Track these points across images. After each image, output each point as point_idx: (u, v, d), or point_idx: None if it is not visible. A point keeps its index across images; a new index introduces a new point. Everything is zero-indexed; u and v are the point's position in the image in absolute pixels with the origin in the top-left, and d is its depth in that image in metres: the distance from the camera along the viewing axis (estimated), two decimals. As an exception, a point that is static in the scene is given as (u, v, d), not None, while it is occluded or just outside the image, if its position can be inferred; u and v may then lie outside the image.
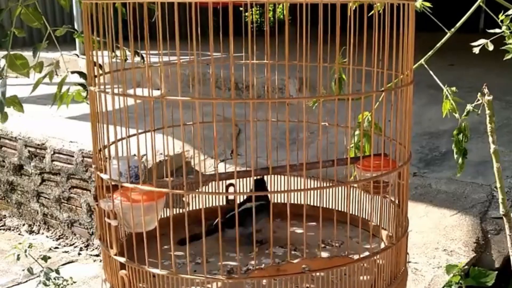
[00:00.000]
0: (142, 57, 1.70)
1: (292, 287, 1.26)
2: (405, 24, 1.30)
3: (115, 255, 1.30)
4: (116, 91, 1.26)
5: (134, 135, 1.37)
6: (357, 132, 1.77)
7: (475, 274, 2.20)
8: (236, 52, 1.57)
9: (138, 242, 1.25)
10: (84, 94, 1.91)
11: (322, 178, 1.66)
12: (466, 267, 2.26)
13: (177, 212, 1.68)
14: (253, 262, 1.41)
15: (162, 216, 1.51)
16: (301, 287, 1.29)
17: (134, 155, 1.36)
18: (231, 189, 1.71)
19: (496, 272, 2.23)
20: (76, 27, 5.67)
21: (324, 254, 1.48)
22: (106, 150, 1.36)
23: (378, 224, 1.62)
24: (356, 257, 1.32)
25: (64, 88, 1.90)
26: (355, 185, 1.58)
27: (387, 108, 1.36)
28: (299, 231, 1.61)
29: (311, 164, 1.53)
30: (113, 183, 1.27)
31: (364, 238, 1.51)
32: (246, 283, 1.29)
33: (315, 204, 1.68)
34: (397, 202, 1.48)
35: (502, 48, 1.72)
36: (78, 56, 2.27)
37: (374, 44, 1.32)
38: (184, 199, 1.70)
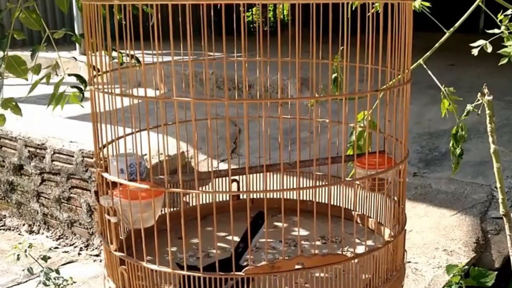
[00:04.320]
0: (138, 60, 1.70)
1: (288, 283, 1.26)
2: (403, 23, 1.31)
3: (115, 250, 1.32)
4: (117, 91, 1.26)
5: (132, 133, 1.39)
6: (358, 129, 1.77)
7: (475, 274, 2.20)
8: (237, 51, 1.58)
9: (143, 239, 1.27)
10: (80, 96, 1.91)
11: (320, 176, 1.67)
12: (466, 267, 2.26)
13: (176, 209, 1.70)
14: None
15: (166, 212, 1.53)
16: (297, 283, 1.29)
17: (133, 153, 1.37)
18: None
19: (496, 272, 2.23)
20: (76, 28, 5.67)
21: (323, 251, 1.49)
22: (107, 148, 1.37)
23: (376, 221, 1.63)
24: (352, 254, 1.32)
25: (62, 89, 1.90)
26: (357, 182, 1.59)
27: (385, 106, 1.37)
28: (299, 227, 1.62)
29: (307, 162, 1.54)
30: (112, 180, 1.29)
31: (363, 234, 1.53)
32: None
33: (316, 201, 1.69)
34: (395, 199, 1.49)
35: (499, 52, 1.71)
36: (76, 60, 2.27)
37: (369, 43, 1.32)
38: (184, 199, 1.70)
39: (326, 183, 1.58)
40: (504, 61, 1.70)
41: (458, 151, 1.74)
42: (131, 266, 1.29)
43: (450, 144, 1.76)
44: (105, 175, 1.31)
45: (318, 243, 1.55)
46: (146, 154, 1.43)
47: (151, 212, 1.27)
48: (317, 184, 1.72)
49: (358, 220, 1.64)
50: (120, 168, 1.30)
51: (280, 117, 1.67)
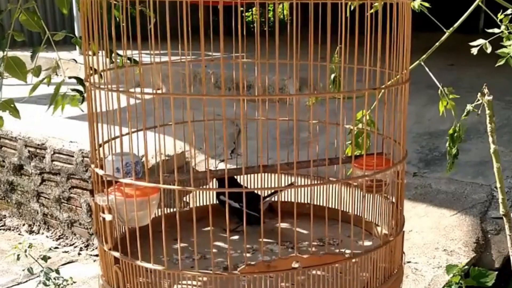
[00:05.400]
0: (136, 62, 1.70)
1: (285, 283, 1.26)
2: (401, 23, 1.31)
3: (110, 249, 1.31)
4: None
5: (127, 133, 1.39)
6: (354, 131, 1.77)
7: (475, 274, 2.20)
8: (236, 51, 1.58)
9: (138, 237, 1.26)
10: (80, 99, 1.91)
11: (316, 176, 1.67)
12: (466, 267, 2.26)
13: (171, 210, 1.69)
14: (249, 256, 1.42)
15: (163, 214, 1.52)
16: (294, 283, 1.30)
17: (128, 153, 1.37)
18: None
19: (496, 272, 2.23)
20: (76, 29, 5.66)
21: (320, 253, 1.49)
22: (102, 146, 1.37)
23: (374, 222, 1.63)
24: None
25: (62, 90, 1.90)
26: (354, 183, 1.59)
27: (383, 107, 1.37)
28: (297, 229, 1.62)
29: (304, 162, 1.54)
30: (108, 178, 1.28)
31: (361, 236, 1.52)
32: (238, 279, 1.30)
33: (316, 203, 1.69)
34: (393, 200, 1.48)
35: (497, 51, 1.70)
36: (76, 62, 2.26)
37: (369, 43, 1.32)
38: (184, 199, 1.70)
39: (321, 182, 1.58)
40: (502, 62, 1.69)
41: (454, 151, 1.74)
42: (125, 264, 1.28)
43: (447, 144, 1.76)
44: (98, 171, 1.30)
45: (315, 244, 1.55)
46: (143, 156, 1.44)
47: (146, 211, 1.27)
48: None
49: (356, 222, 1.64)
50: (116, 167, 1.29)
51: (278, 119, 1.67)
